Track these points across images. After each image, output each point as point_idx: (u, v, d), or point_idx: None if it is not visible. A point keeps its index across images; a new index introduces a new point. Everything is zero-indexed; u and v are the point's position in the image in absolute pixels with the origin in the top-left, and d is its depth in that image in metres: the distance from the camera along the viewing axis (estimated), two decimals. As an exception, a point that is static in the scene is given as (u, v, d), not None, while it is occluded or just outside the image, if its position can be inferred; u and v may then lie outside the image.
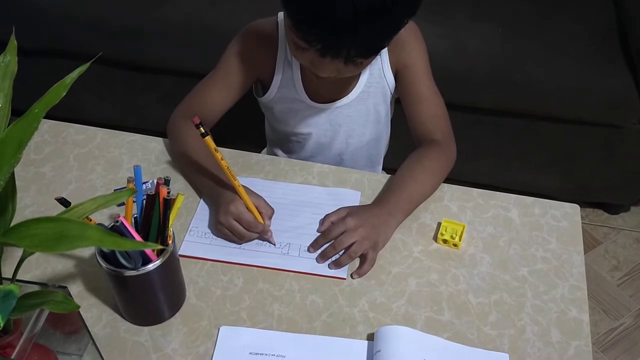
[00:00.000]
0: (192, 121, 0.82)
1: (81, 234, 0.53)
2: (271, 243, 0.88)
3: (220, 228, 0.87)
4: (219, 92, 1.00)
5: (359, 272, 0.85)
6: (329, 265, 0.86)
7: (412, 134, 1.03)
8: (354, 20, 0.75)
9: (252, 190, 0.88)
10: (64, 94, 0.58)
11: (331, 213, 0.90)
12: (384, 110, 1.09)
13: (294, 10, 0.80)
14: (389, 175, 0.98)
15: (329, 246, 0.87)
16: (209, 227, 0.91)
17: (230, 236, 0.87)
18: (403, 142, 1.00)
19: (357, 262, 0.87)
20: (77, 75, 0.59)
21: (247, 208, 0.86)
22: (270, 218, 0.88)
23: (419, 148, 1.00)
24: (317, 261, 0.87)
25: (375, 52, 0.85)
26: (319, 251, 0.88)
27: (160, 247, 0.61)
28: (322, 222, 0.90)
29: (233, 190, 0.87)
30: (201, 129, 0.82)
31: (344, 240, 0.85)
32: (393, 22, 0.80)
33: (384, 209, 0.90)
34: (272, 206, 0.89)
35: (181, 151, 0.96)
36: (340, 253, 0.87)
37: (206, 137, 0.83)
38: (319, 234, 0.89)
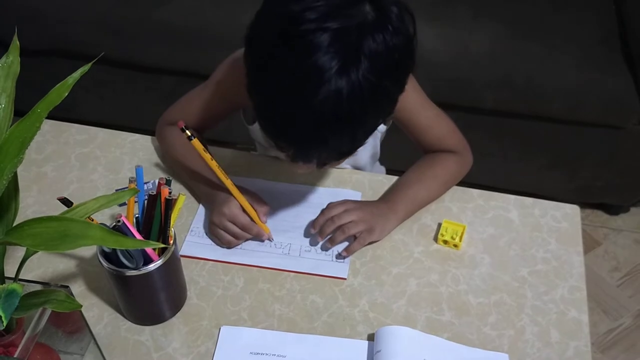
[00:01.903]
0: (177, 125, 0.82)
1: (83, 233, 0.54)
2: (269, 240, 0.89)
3: (213, 228, 0.87)
4: (203, 113, 0.97)
5: (347, 250, 0.86)
6: (324, 244, 0.87)
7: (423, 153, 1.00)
8: (320, 131, 0.69)
9: (244, 188, 0.88)
10: (66, 94, 0.58)
11: (335, 202, 0.90)
12: (373, 144, 1.06)
13: (262, 124, 0.75)
14: (391, 176, 0.98)
15: (328, 220, 0.86)
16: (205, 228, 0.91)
17: (224, 236, 0.86)
18: (404, 142, 1.00)
19: (357, 260, 0.88)
20: (79, 76, 0.59)
21: (243, 208, 0.86)
22: (266, 214, 0.88)
23: (436, 152, 0.97)
24: (317, 238, 0.88)
25: (349, 154, 0.78)
26: (319, 243, 0.89)
27: (161, 245, 0.61)
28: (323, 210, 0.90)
29: (227, 190, 0.86)
30: (187, 132, 0.81)
31: (342, 217, 0.86)
32: (365, 127, 0.74)
33: (385, 204, 0.90)
34: (273, 206, 0.89)
35: (172, 157, 0.96)
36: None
37: (193, 140, 0.82)
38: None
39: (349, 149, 0.76)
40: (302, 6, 0.65)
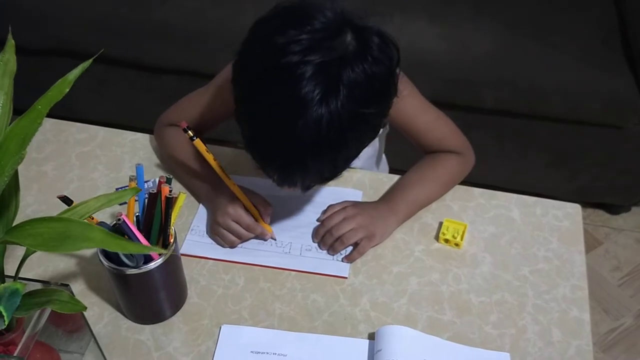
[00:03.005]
0: (179, 125, 0.82)
1: (84, 235, 0.53)
2: (272, 239, 0.89)
3: (217, 228, 0.87)
4: (204, 115, 0.97)
5: (348, 258, 0.87)
6: (327, 251, 0.88)
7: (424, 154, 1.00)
8: (302, 158, 0.71)
9: (247, 188, 0.88)
10: (67, 90, 0.58)
11: (335, 204, 0.91)
12: (372, 147, 1.06)
13: (248, 150, 0.76)
14: (392, 175, 0.98)
15: (327, 233, 0.88)
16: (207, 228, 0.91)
17: (227, 237, 0.87)
18: (406, 141, 1.00)
19: (359, 259, 0.88)
20: (80, 72, 0.59)
21: (246, 208, 0.87)
22: (269, 215, 0.88)
23: (438, 153, 0.96)
24: (318, 248, 0.88)
25: (332, 179, 0.80)
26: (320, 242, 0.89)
27: (162, 251, 0.61)
28: (324, 211, 0.91)
29: (229, 190, 0.87)
30: (189, 132, 0.82)
31: (341, 227, 0.87)
32: (346, 153, 0.75)
33: (386, 205, 0.91)
34: (273, 205, 0.89)
35: (172, 156, 0.96)
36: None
37: (195, 141, 0.83)
38: (320, 233, 0.89)
39: (331, 175, 0.78)
40: (286, 39, 0.68)
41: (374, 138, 0.78)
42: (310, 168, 0.73)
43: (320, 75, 0.67)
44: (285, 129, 0.69)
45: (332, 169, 0.76)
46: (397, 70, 0.74)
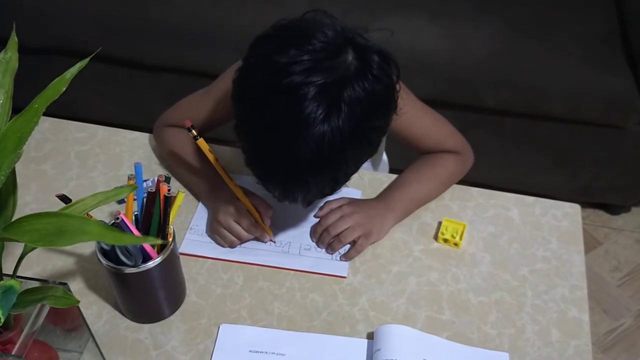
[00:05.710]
0: (183, 124, 0.82)
1: (82, 228, 0.53)
2: (272, 241, 0.89)
3: (217, 228, 0.87)
4: (205, 117, 0.96)
5: (345, 256, 0.87)
6: (325, 250, 0.88)
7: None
8: (303, 175, 0.72)
9: (249, 190, 0.88)
10: (64, 89, 0.58)
11: (332, 200, 0.91)
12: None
13: (250, 167, 0.77)
14: (392, 175, 0.98)
15: (324, 231, 0.88)
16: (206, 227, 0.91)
17: (227, 236, 0.87)
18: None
19: (357, 258, 0.88)
20: (77, 71, 0.58)
21: (247, 209, 0.87)
22: (269, 217, 0.88)
23: (437, 152, 0.96)
24: (317, 246, 0.89)
25: (332, 194, 0.81)
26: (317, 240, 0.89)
27: (160, 241, 0.61)
28: (321, 208, 0.91)
29: (230, 190, 0.87)
30: (193, 132, 0.82)
31: (338, 226, 0.87)
32: (346, 170, 0.76)
33: (383, 202, 0.91)
34: (272, 205, 0.89)
35: (172, 155, 0.95)
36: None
37: (199, 140, 0.83)
38: (319, 232, 0.89)
39: (332, 190, 0.78)
40: (288, 59, 0.68)
41: (373, 154, 0.79)
42: (311, 185, 0.74)
43: (322, 96, 0.67)
44: (287, 147, 0.70)
45: (333, 184, 0.77)
46: (397, 87, 0.75)
